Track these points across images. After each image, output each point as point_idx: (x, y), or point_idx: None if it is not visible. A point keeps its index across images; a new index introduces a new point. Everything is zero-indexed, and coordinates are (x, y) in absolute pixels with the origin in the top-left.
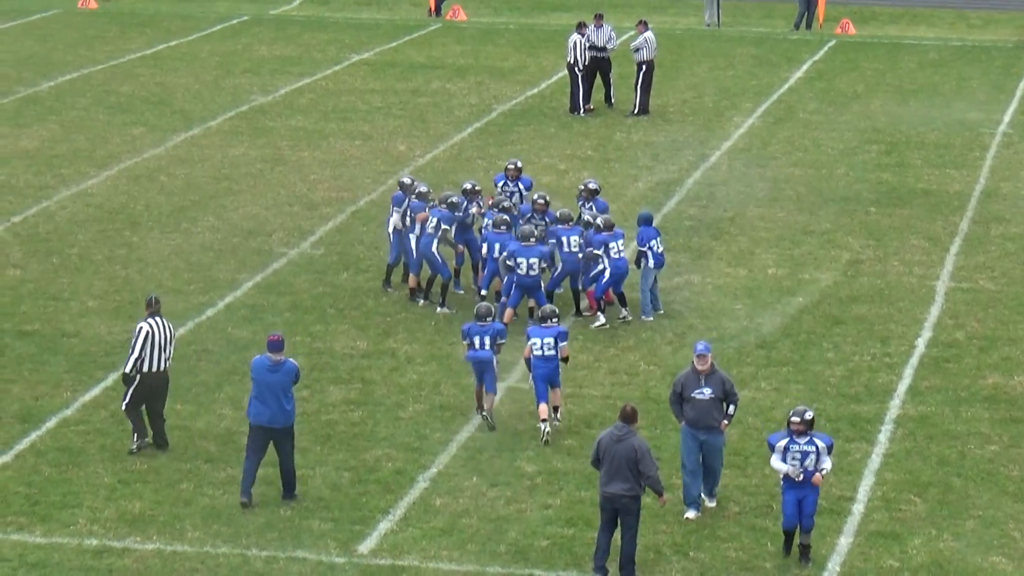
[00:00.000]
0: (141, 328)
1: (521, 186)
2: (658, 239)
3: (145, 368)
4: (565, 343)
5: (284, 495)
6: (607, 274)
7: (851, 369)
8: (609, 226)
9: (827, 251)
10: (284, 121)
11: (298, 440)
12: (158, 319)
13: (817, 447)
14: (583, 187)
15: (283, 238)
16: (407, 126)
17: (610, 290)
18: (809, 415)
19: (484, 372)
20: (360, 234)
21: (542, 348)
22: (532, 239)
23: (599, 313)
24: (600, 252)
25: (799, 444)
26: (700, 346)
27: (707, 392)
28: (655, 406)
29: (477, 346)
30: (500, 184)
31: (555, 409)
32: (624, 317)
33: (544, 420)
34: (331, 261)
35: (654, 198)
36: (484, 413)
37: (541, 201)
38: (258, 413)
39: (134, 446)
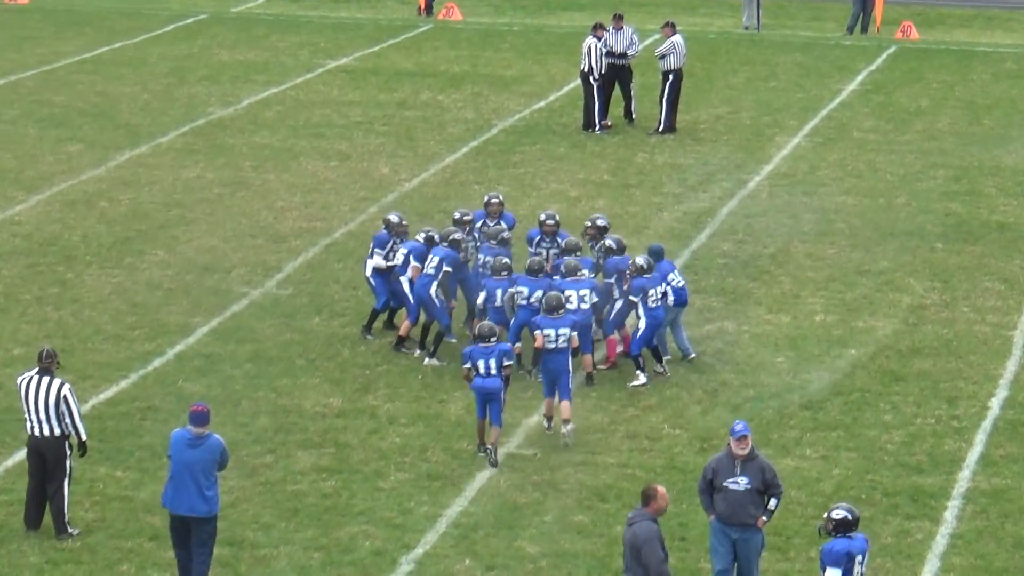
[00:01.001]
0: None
1: (504, 225)
2: (675, 272)
3: (27, 429)
4: (576, 333)
5: None
6: (643, 324)
7: (912, 434)
8: (649, 267)
9: (885, 295)
10: (247, 138)
11: (260, 514)
12: (38, 376)
13: (823, 553)
14: (589, 223)
15: (244, 275)
16: (391, 144)
17: (615, 338)
18: (839, 515)
19: (490, 403)
20: (335, 272)
21: (556, 340)
22: (578, 272)
23: (640, 373)
24: (637, 299)
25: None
26: (739, 426)
27: (743, 482)
28: (681, 476)
29: (483, 372)
30: (479, 223)
31: (565, 422)
32: (661, 373)
33: (549, 417)
34: (301, 303)
35: (682, 231)
36: (488, 447)
37: (551, 223)
38: (173, 499)
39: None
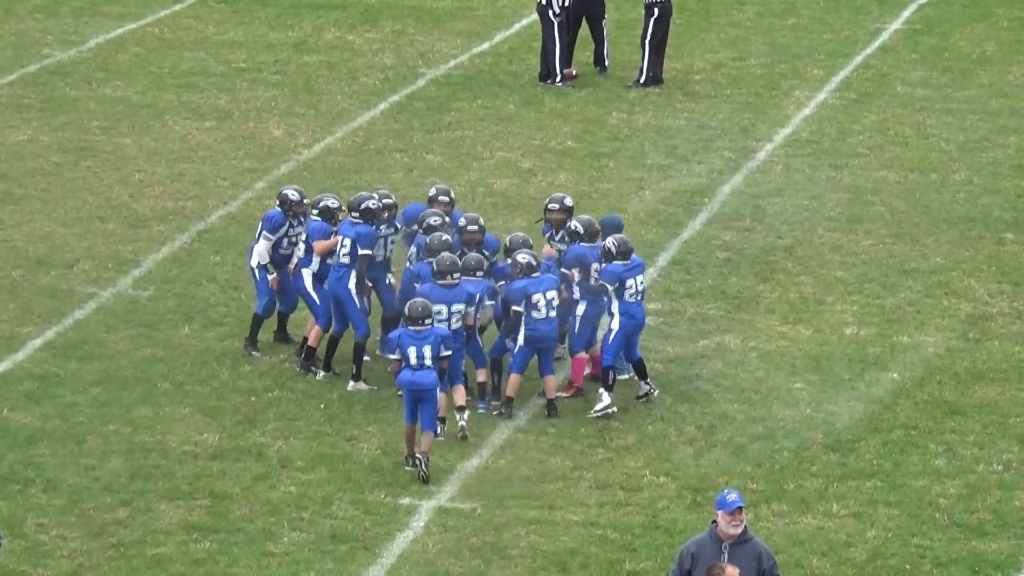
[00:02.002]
0: None
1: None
2: None
3: None
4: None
5: None
6: (616, 324)
7: (973, 485)
8: (623, 251)
9: (937, 300)
10: (95, 89)
11: None
12: None
13: None
14: (557, 205)
15: (91, 271)
16: (286, 99)
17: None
18: None
19: (422, 402)
20: (210, 267)
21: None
22: (534, 272)
23: (604, 392)
24: (613, 286)
25: None
26: (732, 496)
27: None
28: (667, 539)
29: (414, 362)
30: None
31: (460, 409)
32: (647, 393)
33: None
34: (165, 308)
35: (670, 215)
36: (418, 456)
37: (475, 228)
38: None
39: None
